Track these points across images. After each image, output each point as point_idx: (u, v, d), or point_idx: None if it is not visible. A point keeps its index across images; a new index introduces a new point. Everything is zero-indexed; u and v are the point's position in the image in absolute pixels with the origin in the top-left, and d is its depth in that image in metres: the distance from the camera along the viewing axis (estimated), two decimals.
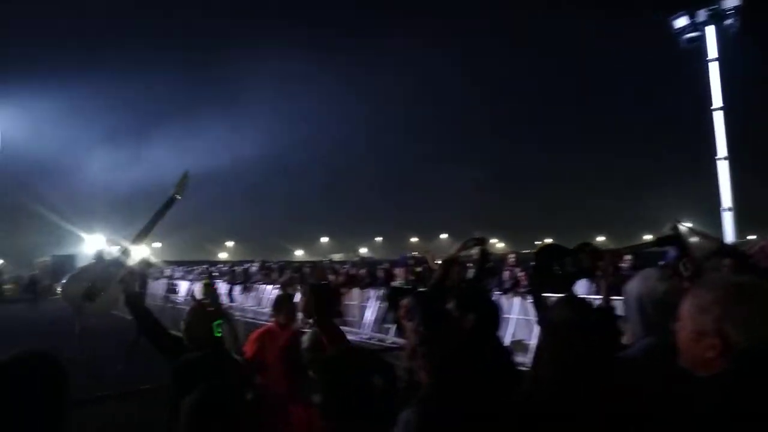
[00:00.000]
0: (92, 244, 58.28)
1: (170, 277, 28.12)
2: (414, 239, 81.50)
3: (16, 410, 1.51)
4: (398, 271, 10.96)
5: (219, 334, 3.05)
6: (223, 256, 66.59)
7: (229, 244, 75.95)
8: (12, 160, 42.34)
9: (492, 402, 1.93)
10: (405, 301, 3.58)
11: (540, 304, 3.57)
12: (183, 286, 23.75)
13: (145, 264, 3.61)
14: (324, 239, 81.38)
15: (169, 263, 38.80)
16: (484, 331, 2.94)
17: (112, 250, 3.60)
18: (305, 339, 3.50)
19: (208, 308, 3.16)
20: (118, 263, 3.48)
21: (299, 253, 71.40)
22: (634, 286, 2.47)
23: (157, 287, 27.46)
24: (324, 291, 4.32)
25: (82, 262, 41.28)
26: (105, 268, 3.44)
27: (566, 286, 3.62)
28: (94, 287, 3.33)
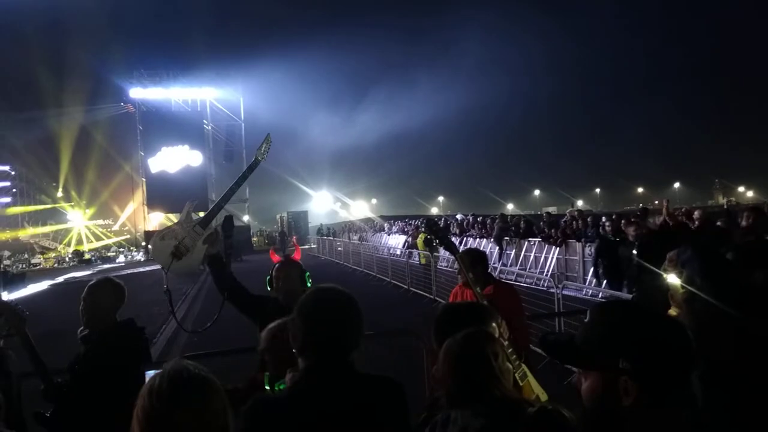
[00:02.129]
0: (320, 201, 63.84)
1: (388, 231, 29.68)
2: (640, 189, 74.70)
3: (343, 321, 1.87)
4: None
5: (310, 284, 3.13)
6: (434, 210, 68.45)
7: (440, 198, 77.76)
8: (253, 127, 48.13)
9: None
10: (672, 253, 2.99)
11: None
12: (400, 240, 24.79)
13: (229, 225, 3.52)
14: (536, 192, 78.92)
15: (385, 218, 41.12)
16: None
17: (199, 213, 3.70)
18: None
19: (295, 263, 3.18)
20: (204, 223, 3.46)
21: (510, 207, 70.24)
22: None
23: (376, 240, 29.25)
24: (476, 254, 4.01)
25: (312, 218, 45.21)
26: (192, 228, 3.41)
27: None
28: (182, 245, 3.33)
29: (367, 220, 42.89)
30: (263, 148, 3.68)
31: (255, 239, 44.34)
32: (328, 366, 1.81)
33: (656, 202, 56.91)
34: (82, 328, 2.94)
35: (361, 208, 62.63)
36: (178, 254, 3.29)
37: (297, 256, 3.33)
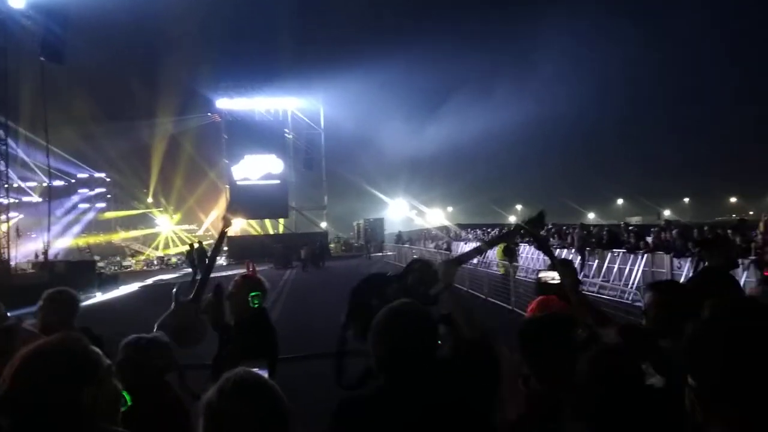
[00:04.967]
0: (396, 208, 63.74)
1: (466, 240, 29.34)
2: (733, 199, 69.86)
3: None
4: None
5: (256, 305, 3.30)
6: (512, 219, 66.99)
7: (518, 207, 76.18)
8: (332, 136, 49.20)
9: None
10: None
11: None
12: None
13: (219, 291, 3.59)
14: (620, 200, 75.70)
15: (462, 226, 40.71)
16: None
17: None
18: None
19: (249, 281, 3.37)
20: (192, 303, 3.64)
21: (591, 216, 67.64)
22: None
23: (456, 249, 28.98)
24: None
25: (388, 225, 45.19)
26: (181, 308, 3.58)
27: None
28: (180, 330, 3.44)
29: (443, 228, 42.62)
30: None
31: (332, 246, 45.14)
32: (406, 374, 1.82)
33: (751, 213, 53.09)
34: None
35: (436, 216, 62.29)
36: (178, 340, 3.29)
37: (252, 275, 3.47)
